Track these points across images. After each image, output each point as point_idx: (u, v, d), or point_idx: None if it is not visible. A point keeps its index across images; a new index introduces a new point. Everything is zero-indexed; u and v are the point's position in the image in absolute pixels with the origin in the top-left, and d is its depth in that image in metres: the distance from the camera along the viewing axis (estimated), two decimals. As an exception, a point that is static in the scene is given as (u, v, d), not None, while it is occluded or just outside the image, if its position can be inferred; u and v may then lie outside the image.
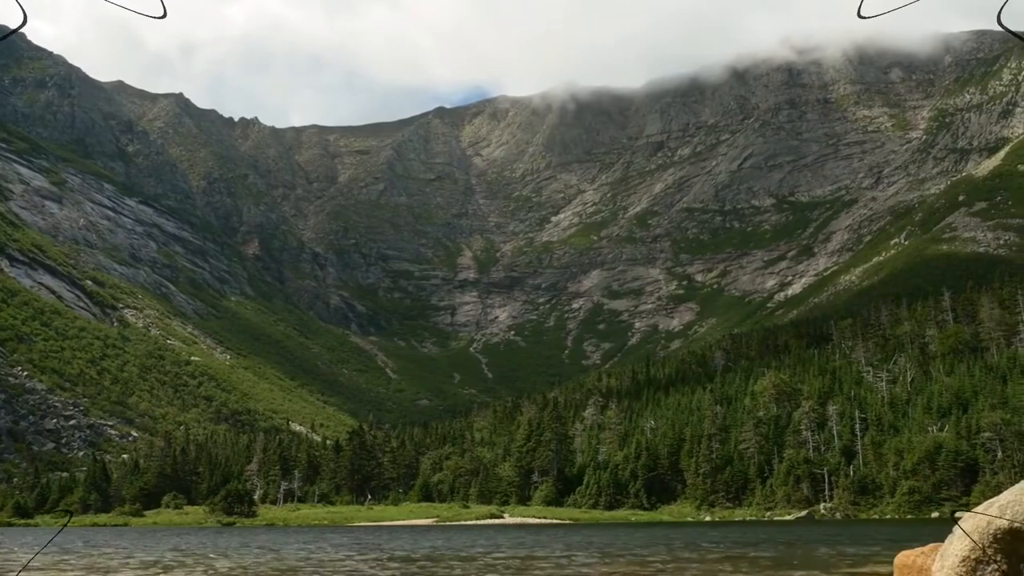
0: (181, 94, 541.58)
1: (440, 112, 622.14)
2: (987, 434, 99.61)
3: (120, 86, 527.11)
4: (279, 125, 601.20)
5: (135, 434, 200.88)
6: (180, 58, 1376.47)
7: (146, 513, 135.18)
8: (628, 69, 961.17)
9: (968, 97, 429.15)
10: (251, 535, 69.91)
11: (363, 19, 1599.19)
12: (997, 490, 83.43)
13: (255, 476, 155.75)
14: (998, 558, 6.73)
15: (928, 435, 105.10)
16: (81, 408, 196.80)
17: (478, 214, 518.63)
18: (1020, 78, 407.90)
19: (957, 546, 7.01)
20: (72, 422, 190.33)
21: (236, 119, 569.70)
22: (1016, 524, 6.68)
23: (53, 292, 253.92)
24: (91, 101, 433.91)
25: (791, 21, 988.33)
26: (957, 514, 7.98)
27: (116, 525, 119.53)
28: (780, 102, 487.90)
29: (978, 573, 6.67)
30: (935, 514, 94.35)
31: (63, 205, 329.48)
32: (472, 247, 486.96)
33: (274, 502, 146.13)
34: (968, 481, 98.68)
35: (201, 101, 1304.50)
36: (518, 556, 32.93)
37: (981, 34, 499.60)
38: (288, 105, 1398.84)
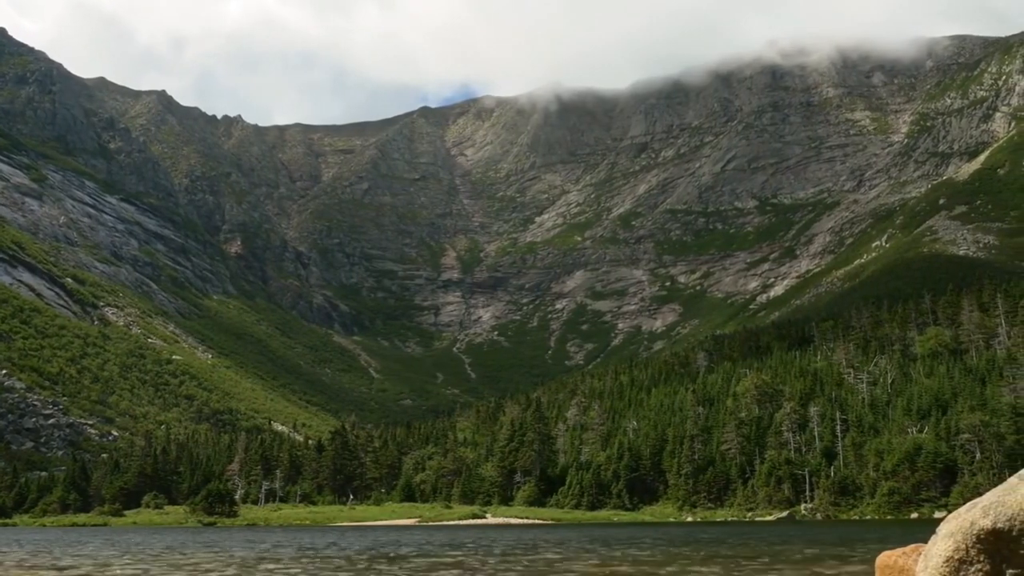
0: (164, 91, 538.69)
1: (425, 112, 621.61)
2: (966, 435, 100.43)
3: (102, 83, 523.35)
4: (267, 122, 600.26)
5: (115, 433, 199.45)
6: (169, 53, 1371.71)
7: (126, 513, 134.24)
8: (619, 70, 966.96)
9: (949, 101, 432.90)
10: (219, 535, 69.59)
11: (355, 17, 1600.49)
12: (975, 491, 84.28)
13: (236, 476, 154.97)
14: (981, 559, 6.78)
15: (908, 436, 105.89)
16: (61, 407, 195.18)
17: (462, 214, 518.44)
18: (1000, 83, 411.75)
19: (940, 547, 7.04)
20: (51, 421, 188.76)
21: (220, 117, 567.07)
22: (999, 525, 6.73)
23: (33, 290, 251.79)
24: (72, 98, 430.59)
25: (777, 24, 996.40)
26: (940, 515, 8.07)
27: (95, 525, 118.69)
28: (763, 105, 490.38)
29: (961, 574, 6.71)
30: (914, 515, 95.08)
31: (43, 202, 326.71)
32: (456, 247, 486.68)
33: (255, 502, 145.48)
34: (947, 482, 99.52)
35: (189, 97, 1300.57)
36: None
37: (962, 39, 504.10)
38: (277, 103, 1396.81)
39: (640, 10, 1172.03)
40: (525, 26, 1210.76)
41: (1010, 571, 6.55)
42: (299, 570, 27.50)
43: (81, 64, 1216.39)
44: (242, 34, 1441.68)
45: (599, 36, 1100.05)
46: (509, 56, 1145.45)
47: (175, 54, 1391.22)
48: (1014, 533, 6.54)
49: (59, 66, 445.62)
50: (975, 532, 6.73)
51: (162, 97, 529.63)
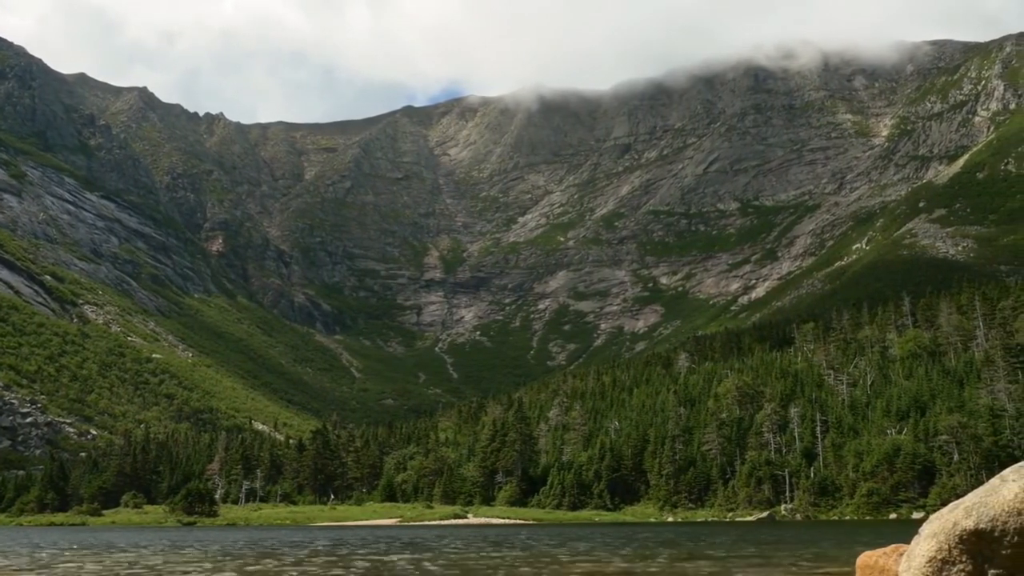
0: (145, 88, 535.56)
1: (408, 111, 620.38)
2: (944, 437, 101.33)
3: (83, 79, 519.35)
4: (251, 120, 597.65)
5: (94, 432, 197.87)
6: (158, 48, 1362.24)
7: (105, 512, 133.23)
8: (607, 70, 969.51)
9: (929, 105, 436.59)
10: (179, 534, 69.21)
11: (347, 15, 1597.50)
12: (953, 492, 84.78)
13: (216, 475, 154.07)
14: (963, 559, 6.85)
15: (887, 437, 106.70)
16: (39, 405, 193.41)
17: (445, 214, 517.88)
18: (979, 87, 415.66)
19: (924, 547, 7.10)
20: (29, 419, 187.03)
21: (202, 114, 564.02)
22: (982, 526, 6.80)
23: (11, 287, 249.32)
24: (52, 94, 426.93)
25: (762, 28, 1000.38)
26: (919, 516, 8.14)
27: (73, 524, 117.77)
28: (746, 107, 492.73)
29: (944, 574, 6.77)
30: (893, 515, 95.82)
31: (22, 199, 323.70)
32: (439, 247, 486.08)
33: (236, 502, 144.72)
34: (925, 483, 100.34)
35: (174, 93, 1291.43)
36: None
37: (942, 44, 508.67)
38: (263, 101, 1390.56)
39: (630, 11, 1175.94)
40: (517, 25, 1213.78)
41: (992, 571, 6.62)
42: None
43: (65, 58, 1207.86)
44: (234, 31, 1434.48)
45: (589, 36, 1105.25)
46: (499, 55, 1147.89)
47: (164, 49, 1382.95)
48: (996, 534, 6.59)
49: (39, 61, 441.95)
50: (958, 532, 6.79)
51: (143, 94, 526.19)
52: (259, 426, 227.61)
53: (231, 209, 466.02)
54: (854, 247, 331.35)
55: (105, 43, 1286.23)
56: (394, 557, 32.54)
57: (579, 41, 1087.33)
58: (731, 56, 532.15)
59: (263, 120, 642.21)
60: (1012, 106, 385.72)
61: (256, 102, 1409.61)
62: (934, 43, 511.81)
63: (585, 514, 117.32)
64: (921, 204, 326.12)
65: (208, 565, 29.24)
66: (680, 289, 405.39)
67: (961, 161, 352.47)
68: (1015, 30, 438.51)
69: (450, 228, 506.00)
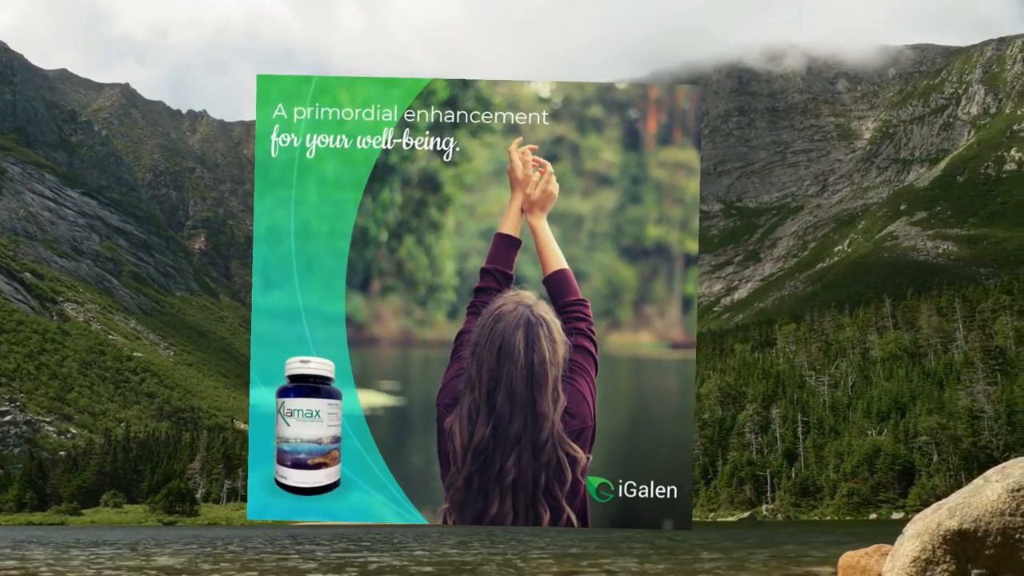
0: (128, 84, 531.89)
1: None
2: (924, 438, 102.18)
3: (64, 74, 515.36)
4: (235, 118, 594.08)
5: (74, 431, 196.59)
6: (147, 42, 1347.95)
7: (84, 512, 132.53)
8: (599, 69, 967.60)
9: (911, 109, 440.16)
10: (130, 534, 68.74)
11: (339, 12, 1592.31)
12: (933, 492, 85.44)
13: (198, 475, 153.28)
14: (947, 559, 6.94)
15: (867, 438, 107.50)
16: (17, 404, 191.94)
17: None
18: (960, 91, 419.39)
19: (908, 547, 7.17)
20: (8, 418, 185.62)
21: (184, 111, 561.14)
22: (965, 526, 6.89)
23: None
24: (33, 89, 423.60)
25: (747, 31, 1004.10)
26: (898, 516, 8.22)
27: (52, 524, 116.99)
28: (730, 109, 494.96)
29: (928, 573, 6.85)
30: (873, 515, 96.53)
31: (2, 195, 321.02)
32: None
33: (217, 501, 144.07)
34: (905, 484, 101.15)
35: (160, 89, 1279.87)
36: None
37: (923, 48, 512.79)
38: (253, 99, 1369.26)
39: (620, 12, 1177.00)
40: (508, 24, 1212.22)
41: (975, 571, 6.70)
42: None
43: (48, 51, 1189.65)
44: (226, 28, 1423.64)
45: (577, 37, 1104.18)
46: (490, 55, 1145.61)
47: (154, 44, 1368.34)
48: (979, 534, 6.67)
49: (20, 57, 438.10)
50: (941, 533, 6.84)
51: (126, 90, 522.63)
52: (241, 425, 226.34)
53: (214, 207, 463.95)
54: (836, 249, 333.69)
55: (92, 37, 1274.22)
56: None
57: (568, 41, 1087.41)
58: (716, 58, 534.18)
59: (247, 118, 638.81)
60: (992, 110, 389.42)
61: (243, 100, 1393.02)
62: (916, 47, 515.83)
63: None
64: (902, 207, 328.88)
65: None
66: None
67: (942, 164, 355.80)
68: (1001, 34, 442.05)
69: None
